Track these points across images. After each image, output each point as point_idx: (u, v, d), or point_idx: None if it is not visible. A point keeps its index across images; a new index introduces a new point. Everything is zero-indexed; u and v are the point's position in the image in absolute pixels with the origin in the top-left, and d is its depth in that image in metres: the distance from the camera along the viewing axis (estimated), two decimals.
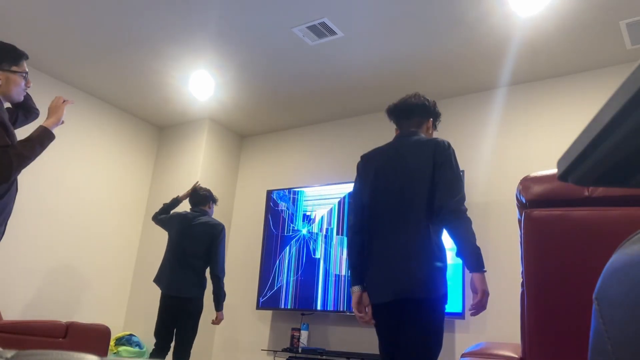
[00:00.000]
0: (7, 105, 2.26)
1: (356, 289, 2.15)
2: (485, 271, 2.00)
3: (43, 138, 2.08)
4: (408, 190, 2.12)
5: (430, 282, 1.98)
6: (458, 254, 2.02)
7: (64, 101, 2.24)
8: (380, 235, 2.13)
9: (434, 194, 2.07)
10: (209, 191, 3.90)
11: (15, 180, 2.12)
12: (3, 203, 2.05)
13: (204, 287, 3.66)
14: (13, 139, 2.06)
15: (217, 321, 3.69)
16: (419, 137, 2.22)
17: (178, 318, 3.57)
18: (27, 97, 2.38)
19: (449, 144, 2.16)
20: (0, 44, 2.18)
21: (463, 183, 2.26)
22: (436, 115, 2.40)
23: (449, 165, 2.10)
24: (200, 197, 3.85)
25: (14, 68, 2.18)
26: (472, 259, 1.97)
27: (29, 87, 2.23)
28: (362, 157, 2.38)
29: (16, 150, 1.97)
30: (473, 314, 2.03)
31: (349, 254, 2.23)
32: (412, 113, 2.32)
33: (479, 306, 1.98)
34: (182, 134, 5.36)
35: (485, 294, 1.97)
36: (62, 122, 2.27)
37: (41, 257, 4.42)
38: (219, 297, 3.64)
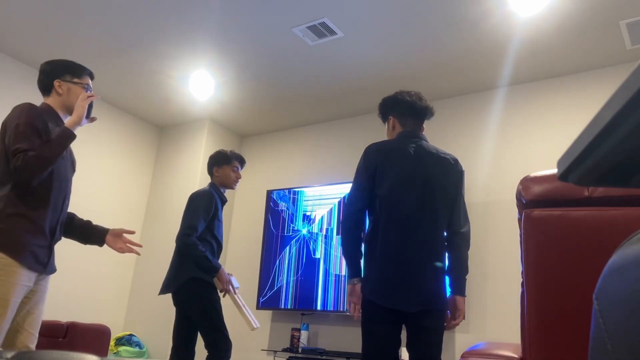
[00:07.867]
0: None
1: (357, 280, 2.11)
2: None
3: (62, 138, 2.04)
4: (431, 203, 2.14)
5: (445, 295, 2.14)
6: (452, 274, 2.17)
7: (89, 97, 2.15)
8: (401, 244, 2.08)
9: (451, 215, 2.20)
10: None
11: (52, 179, 2.08)
12: (49, 201, 2.05)
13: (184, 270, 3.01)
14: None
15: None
16: (437, 148, 2.25)
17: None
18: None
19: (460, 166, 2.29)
20: (62, 60, 2.25)
21: None
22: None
23: (462, 191, 2.27)
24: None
25: (75, 80, 2.21)
26: (464, 283, 2.18)
27: (92, 98, 2.17)
28: (374, 148, 2.20)
29: (35, 152, 1.95)
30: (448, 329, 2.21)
31: (355, 244, 2.11)
32: (427, 116, 2.32)
33: (456, 325, 2.19)
34: (182, 134, 5.36)
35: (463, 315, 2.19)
36: (92, 120, 2.19)
37: None
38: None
